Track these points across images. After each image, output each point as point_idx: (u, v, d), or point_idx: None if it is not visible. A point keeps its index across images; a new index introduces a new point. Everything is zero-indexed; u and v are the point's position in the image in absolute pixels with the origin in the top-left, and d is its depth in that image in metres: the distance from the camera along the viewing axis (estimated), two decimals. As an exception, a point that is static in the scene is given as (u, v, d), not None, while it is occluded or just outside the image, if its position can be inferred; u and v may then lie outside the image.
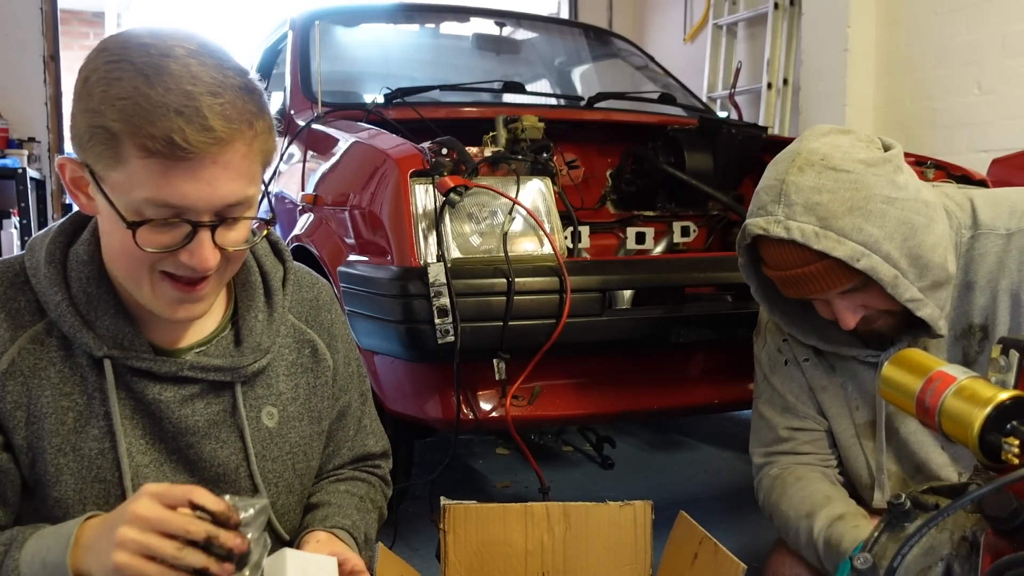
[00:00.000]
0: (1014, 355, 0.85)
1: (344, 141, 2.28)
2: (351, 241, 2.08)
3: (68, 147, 5.08)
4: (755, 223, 1.22)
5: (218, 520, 0.86)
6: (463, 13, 3.57)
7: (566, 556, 1.42)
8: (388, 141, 2.06)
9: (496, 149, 1.99)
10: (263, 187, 0.98)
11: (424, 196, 1.81)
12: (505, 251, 1.79)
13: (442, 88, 2.83)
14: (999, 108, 3.67)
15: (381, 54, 3.41)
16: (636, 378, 2.02)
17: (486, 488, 2.78)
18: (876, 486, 1.36)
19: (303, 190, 2.49)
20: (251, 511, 0.89)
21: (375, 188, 1.97)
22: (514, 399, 1.85)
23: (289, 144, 2.68)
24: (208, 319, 1.06)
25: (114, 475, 0.98)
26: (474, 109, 2.81)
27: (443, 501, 1.40)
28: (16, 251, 3.75)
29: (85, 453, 0.98)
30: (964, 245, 1.27)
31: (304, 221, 2.38)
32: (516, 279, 1.74)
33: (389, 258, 1.86)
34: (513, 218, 1.83)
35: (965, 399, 0.82)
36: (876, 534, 0.86)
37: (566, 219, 1.99)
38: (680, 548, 1.33)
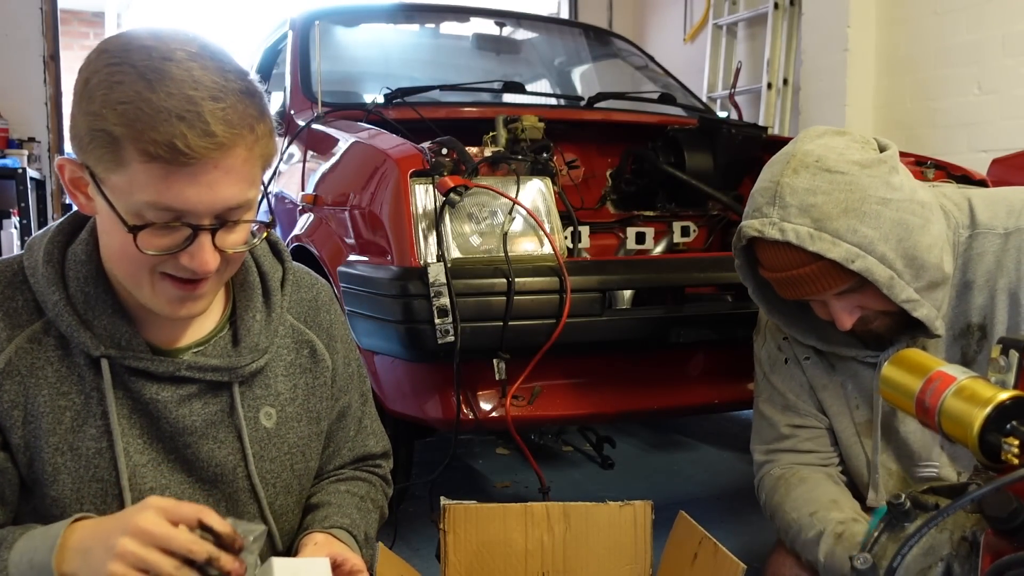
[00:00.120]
0: (1014, 355, 0.85)
1: (344, 141, 2.28)
2: (351, 241, 2.08)
3: (68, 147, 5.09)
4: (750, 225, 1.22)
5: (222, 543, 0.86)
6: (463, 13, 3.57)
7: (566, 556, 1.42)
8: (388, 141, 2.06)
9: (496, 149, 1.99)
10: (263, 188, 0.98)
11: (424, 196, 1.81)
12: (505, 251, 1.79)
13: (442, 88, 2.83)
14: (999, 108, 3.67)
15: (381, 54, 3.41)
16: (636, 378, 2.02)
17: (486, 488, 2.78)
18: (870, 485, 1.36)
19: (303, 190, 2.49)
20: (251, 537, 0.90)
21: (375, 188, 1.97)
22: (514, 399, 1.85)
23: (289, 144, 2.68)
24: (206, 319, 1.06)
25: (111, 474, 0.98)
26: (474, 109, 2.81)
27: (443, 501, 1.40)
28: (16, 251, 3.74)
29: (82, 452, 0.98)
30: (962, 245, 1.27)
31: (304, 221, 2.38)
32: (516, 279, 1.74)
33: (389, 258, 1.86)
34: (513, 218, 1.83)
35: (965, 399, 0.82)
36: (876, 534, 0.86)
37: (566, 219, 1.99)
38: (680, 548, 1.33)
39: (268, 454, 1.08)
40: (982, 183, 2.31)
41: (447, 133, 1.98)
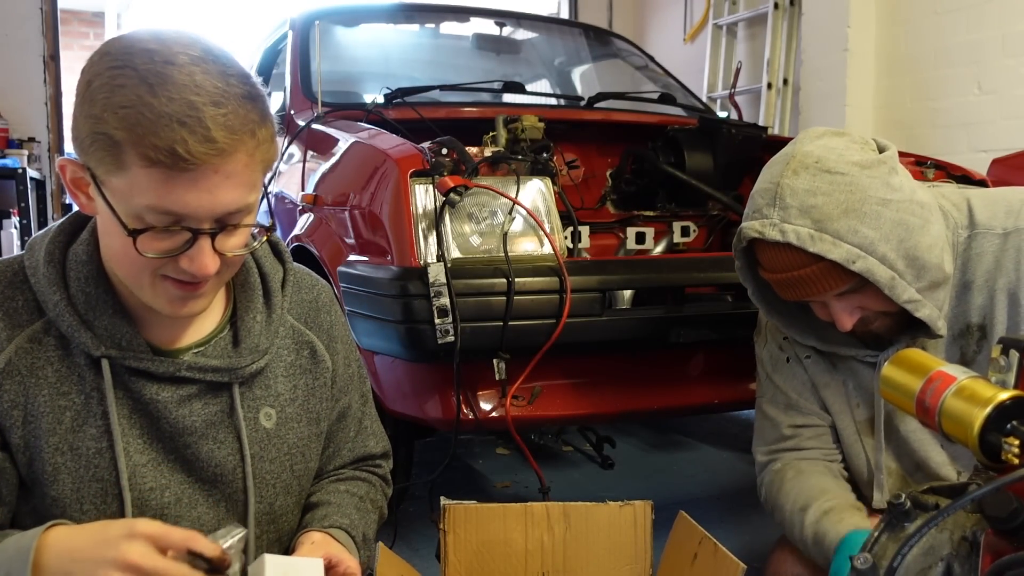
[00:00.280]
0: (1014, 355, 0.86)
1: (344, 141, 2.28)
2: (351, 241, 2.08)
3: (68, 147, 5.09)
4: (750, 226, 1.22)
5: (212, 566, 0.86)
6: (463, 13, 3.57)
7: (566, 556, 1.42)
8: (388, 141, 2.06)
9: (496, 149, 1.99)
10: (263, 189, 0.98)
11: (424, 196, 1.81)
12: (505, 251, 1.79)
13: (442, 88, 2.83)
14: (999, 108, 3.67)
15: (381, 54, 3.41)
16: (636, 378, 2.02)
17: (486, 488, 2.78)
18: (875, 486, 1.36)
19: (303, 190, 2.49)
20: (231, 540, 0.91)
21: (375, 188, 1.97)
22: (514, 399, 1.85)
23: (289, 144, 2.68)
24: (207, 319, 1.06)
25: (111, 474, 0.98)
26: (474, 109, 2.81)
27: (443, 501, 1.40)
28: (16, 251, 3.74)
29: (83, 452, 0.98)
30: (961, 245, 1.27)
31: (304, 221, 2.38)
32: (516, 279, 1.74)
33: (389, 258, 1.86)
34: (513, 218, 1.83)
35: (965, 399, 0.82)
36: (876, 534, 0.86)
37: (566, 219, 1.99)
38: (680, 548, 1.33)
39: (268, 454, 1.08)
40: (982, 183, 2.31)
41: (447, 133, 1.98)
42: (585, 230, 2.15)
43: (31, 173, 4.60)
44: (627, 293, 2.04)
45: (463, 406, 1.84)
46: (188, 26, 0.95)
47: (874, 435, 1.37)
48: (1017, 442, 0.77)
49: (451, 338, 1.70)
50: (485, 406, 1.86)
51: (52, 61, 5.03)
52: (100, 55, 0.89)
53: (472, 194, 1.80)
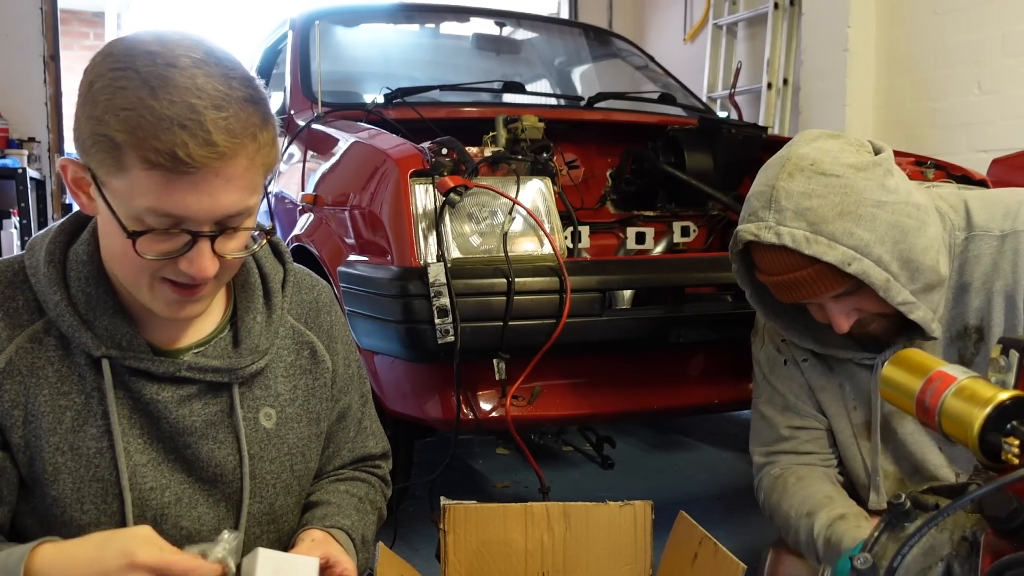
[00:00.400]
0: (1014, 355, 0.86)
1: (344, 141, 2.28)
2: (351, 241, 2.08)
3: (68, 147, 5.09)
4: (746, 229, 1.22)
5: None
6: (463, 13, 3.57)
7: (566, 556, 1.42)
8: (388, 141, 2.06)
9: (496, 149, 1.99)
10: (264, 191, 0.98)
11: (424, 196, 1.81)
12: (505, 251, 1.79)
13: (442, 88, 2.83)
14: (999, 108, 3.67)
15: (381, 54, 3.41)
16: (636, 378, 2.02)
17: (486, 488, 2.78)
18: (872, 488, 1.36)
19: (303, 190, 2.49)
20: (224, 546, 0.92)
21: (375, 188, 1.97)
22: (514, 399, 1.85)
23: (289, 144, 2.68)
24: (207, 320, 1.06)
25: (112, 474, 0.98)
26: (474, 109, 2.81)
27: (443, 501, 1.40)
28: (16, 251, 3.74)
29: (83, 452, 0.98)
30: (958, 247, 1.27)
31: (304, 221, 2.38)
32: (516, 279, 1.74)
33: (389, 258, 1.86)
34: (513, 218, 1.83)
35: (965, 399, 0.82)
36: (876, 534, 0.86)
37: (566, 219, 1.99)
38: (680, 548, 1.34)
39: (268, 455, 1.08)
40: (982, 183, 2.31)
41: (447, 133, 1.98)
42: (585, 230, 2.15)
43: (31, 173, 4.60)
44: (627, 293, 2.04)
45: (463, 406, 1.84)
46: (191, 27, 0.94)
47: (871, 438, 1.37)
48: (1017, 442, 0.77)
49: (451, 338, 1.70)
50: (485, 406, 1.86)
51: (52, 61, 5.03)
52: (103, 56, 0.89)
53: (472, 194, 1.80)
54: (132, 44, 0.88)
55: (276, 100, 3.11)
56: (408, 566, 1.31)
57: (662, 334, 1.92)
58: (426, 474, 2.42)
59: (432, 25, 3.60)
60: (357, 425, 1.25)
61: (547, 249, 1.83)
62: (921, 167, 2.29)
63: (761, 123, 4.63)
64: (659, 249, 2.37)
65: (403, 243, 1.81)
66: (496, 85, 2.90)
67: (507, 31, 3.61)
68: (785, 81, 4.83)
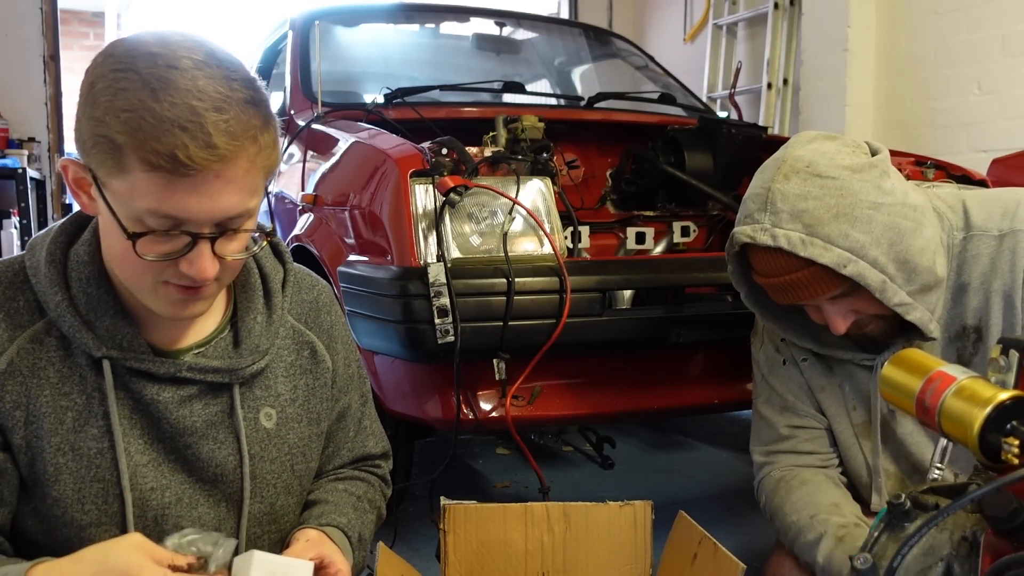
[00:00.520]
0: (1014, 355, 0.86)
1: (344, 141, 2.28)
2: (351, 241, 2.08)
3: (68, 147, 5.09)
4: (742, 231, 1.22)
5: None
6: (463, 13, 3.57)
7: (566, 556, 1.42)
8: (388, 141, 2.06)
9: (496, 149, 1.99)
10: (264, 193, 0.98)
11: (424, 196, 1.81)
12: (505, 251, 1.79)
13: (442, 88, 2.83)
14: (999, 108, 3.67)
15: (381, 54, 3.41)
16: (636, 378, 2.02)
17: (486, 488, 2.78)
18: (873, 489, 1.36)
19: (303, 190, 2.49)
20: (220, 550, 0.93)
21: (375, 188, 1.97)
22: (514, 399, 1.85)
23: (289, 144, 2.68)
24: (207, 320, 1.06)
25: (112, 474, 0.98)
26: (474, 109, 2.81)
27: (443, 501, 1.40)
28: (16, 251, 3.75)
29: (84, 453, 0.98)
30: (956, 247, 1.27)
31: (304, 221, 2.38)
32: (516, 279, 1.74)
33: (389, 258, 1.86)
34: (513, 218, 1.83)
35: (965, 399, 0.82)
36: (876, 534, 0.86)
37: (566, 219, 1.99)
38: (680, 548, 1.34)
39: (268, 455, 1.08)
40: (982, 183, 2.31)
41: (447, 133, 1.98)
42: (585, 230, 2.15)
43: (31, 173, 4.60)
44: (627, 293, 2.04)
45: (463, 406, 1.85)
46: (193, 28, 0.94)
47: (871, 438, 1.37)
48: (1017, 442, 0.77)
49: (451, 338, 1.70)
50: (485, 406, 1.86)
51: (52, 61, 5.03)
52: (104, 56, 0.89)
53: (472, 194, 1.80)
54: (134, 45, 0.88)
55: (276, 100, 3.11)
56: (408, 566, 1.31)
57: (662, 334, 1.92)
58: (426, 474, 2.42)
59: (432, 25, 3.60)
60: (357, 425, 1.25)
61: (547, 249, 1.83)
62: (921, 167, 2.29)
63: (761, 123, 4.63)
64: (659, 249, 2.37)
65: (403, 243, 1.81)
66: (496, 85, 2.90)
67: (507, 31, 3.61)
68: (785, 81, 4.83)
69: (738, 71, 5.20)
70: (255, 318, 1.08)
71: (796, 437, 1.43)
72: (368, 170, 2.05)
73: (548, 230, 1.84)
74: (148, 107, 0.84)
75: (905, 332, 1.26)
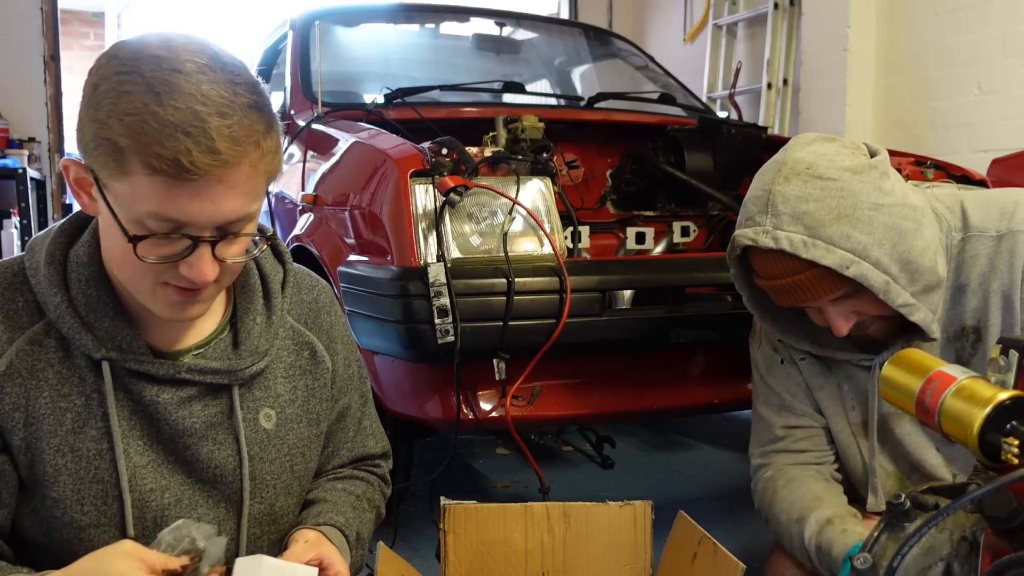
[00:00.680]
0: (1014, 355, 0.86)
1: (344, 141, 2.28)
2: (351, 241, 2.08)
3: (68, 147, 5.09)
4: (743, 234, 1.22)
5: None
6: (463, 13, 3.57)
7: (566, 556, 1.42)
8: (388, 141, 2.06)
9: (496, 149, 1.99)
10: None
11: (424, 196, 1.81)
12: (505, 251, 1.79)
13: (442, 88, 2.83)
14: (999, 108, 3.67)
15: (381, 54, 3.41)
16: (636, 378, 2.02)
17: (486, 488, 2.78)
18: (869, 490, 1.36)
19: (303, 190, 2.49)
20: (214, 547, 0.93)
21: (375, 188, 1.97)
22: (514, 399, 1.85)
23: (289, 144, 2.69)
24: (207, 321, 1.06)
25: (111, 475, 0.99)
26: (474, 109, 2.81)
27: (443, 501, 1.40)
28: (16, 251, 3.75)
29: (83, 454, 0.98)
30: (955, 248, 1.27)
31: (304, 221, 2.38)
32: (516, 279, 1.74)
33: (389, 258, 1.86)
34: (513, 218, 1.83)
35: (965, 399, 0.82)
36: (876, 534, 0.86)
37: (566, 219, 1.99)
38: (680, 548, 1.34)
39: (268, 455, 1.08)
40: (982, 183, 2.31)
41: (447, 133, 1.98)
42: (585, 230, 2.15)
43: (31, 173, 4.60)
44: (627, 293, 2.04)
45: (463, 406, 1.85)
46: (195, 29, 0.94)
47: (869, 438, 1.37)
48: (1017, 442, 0.77)
49: (451, 338, 1.70)
50: (485, 406, 1.86)
51: (52, 61, 5.03)
52: (108, 58, 0.89)
53: (472, 194, 1.80)
54: (138, 47, 0.88)
55: (276, 100, 3.11)
56: (408, 566, 1.31)
57: (662, 334, 1.92)
58: (426, 474, 2.42)
59: (432, 25, 3.60)
60: (357, 425, 1.25)
61: (547, 249, 1.83)
62: (921, 167, 2.29)
63: (761, 123, 4.63)
64: (659, 249, 2.37)
65: (403, 243, 1.81)
66: (496, 85, 2.90)
67: (507, 31, 3.61)
68: (785, 81, 4.83)
69: (738, 71, 5.20)
70: (255, 319, 1.08)
71: (790, 436, 1.43)
72: (368, 170, 2.05)
73: (548, 230, 1.84)
74: (151, 111, 0.83)
75: (905, 333, 1.26)
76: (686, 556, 1.30)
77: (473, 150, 1.92)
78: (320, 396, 1.15)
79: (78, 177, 0.92)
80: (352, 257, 2.04)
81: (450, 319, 1.70)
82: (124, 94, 0.85)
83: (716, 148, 2.40)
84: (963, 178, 2.31)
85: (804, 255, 1.16)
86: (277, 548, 1.11)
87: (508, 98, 3.07)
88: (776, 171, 1.21)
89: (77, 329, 0.97)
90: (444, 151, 1.88)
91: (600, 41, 3.75)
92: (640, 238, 2.29)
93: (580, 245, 2.07)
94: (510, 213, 1.82)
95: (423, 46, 3.60)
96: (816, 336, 1.36)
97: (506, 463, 3.04)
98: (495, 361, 1.78)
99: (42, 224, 4.73)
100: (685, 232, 2.39)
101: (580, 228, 2.08)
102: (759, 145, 2.46)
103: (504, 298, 1.73)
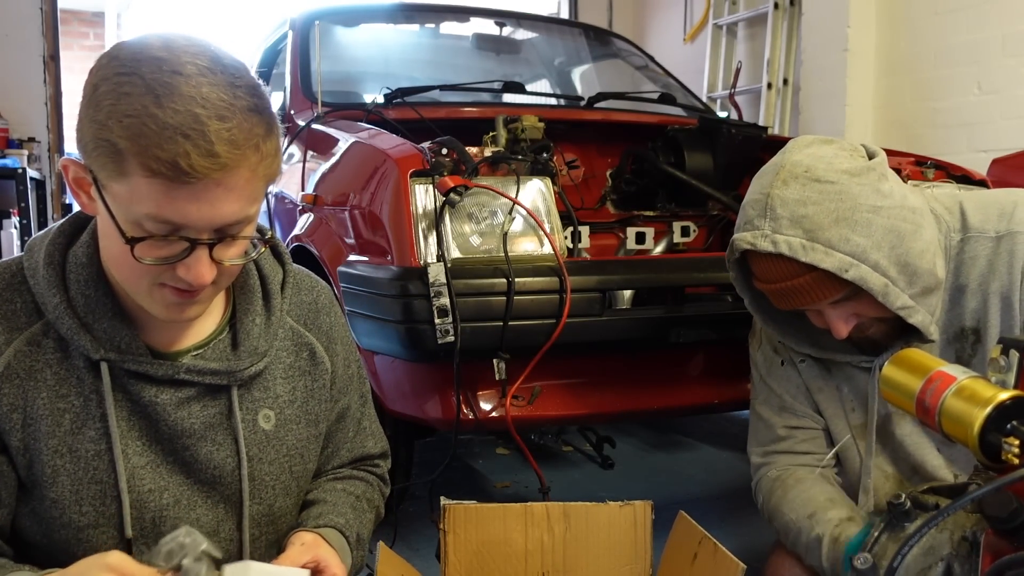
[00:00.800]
0: (1014, 355, 0.86)
1: (344, 141, 2.28)
2: (351, 241, 2.08)
3: (68, 147, 5.09)
4: (742, 238, 1.22)
5: None
6: (463, 13, 3.57)
7: (566, 556, 1.42)
8: (388, 141, 2.06)
9: (496, 149, 1.99)
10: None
11: (424, 196, 1.81)
12: (505, 251, 1.79)
13: (442, 88, 2.83)
14: (999, 108, 3.67)
15: (381, 54, 3.41)
16: (636, 378, 2.02)
17: (486, 488, 2.78)
18: (861, 489, 1.36)
19: (303, 190, 2.49)
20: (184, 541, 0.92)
21: (375, 188, 1.97)
22: (514, 399, 1.85)
23: (289, 144, 2.69)
24: (206, 321, 1.06)
25: (110, 476, 0.98)
26: (474, 109, 2.81)
27: (443, 501, 1.40)
28: (16, 251, 3.74)
29: (81, 455, 0.98)
30: (954, 249, 1.27)
31: (304, 221, 2.38)
32: (516, 279, 1.74)
33: (389, 258, 1.86)
34: (513, 218, 1.83)
35: (965, 399, 0.82)
36: (876, 534, 0.86)
37: (566, 219, 1.99)
38: (680, 548, 1.34)
39: (267, 456, 1.08)
40: (982, 183, 2.31)
41: (447, 133, 1.98)
42: (585, 230, 2.15)
43: (31, 173, 4.60)
44: (627, 293, 2.04)
45: (463, 406, 1.84)
46: (196, 30, 0.94)
47: (868, 439, 1.37)
48: (1017, 442, 0.77)
49: (451, 338, 1.70)
50: (485, 406, 1.86)
51: (52, 61, 5.03)
52: (109, 59, 0.88)
53: (472, 194, 1.80)
54: (138, 49, 0.88)
55: (276, 100, 3.11)
56: (408, 566, 1.31)
57: (662, 334, 1.92)
58: (426, 474, 2.42)
59: (432, 25, 3.60)
60: (356, 425, 1.25)
61: (547, 249, 1.83)
62: (921, 167, 2.29)
63: (761, 123, 4.63)
64: (659, 249, 2.37)
65: (403, 243, 1.81)
66: (496, 85, 2.90)
67: (507, 31, 3.61)
68: (785, 81, 4.83)
69: (738, 71, 5.20)
70: (254, 320, 1.08)
71: (793, 438, 1.43)
72: (368, 170, 2.05)
73: (548, 230, 1.84)
74: (151, 113, 0.83)
75: (905, 335, 1.26)
76: (686, 556, 1.30)
77: (473, 150, 1.92)
78: (319, 397, 1.15)
79: (77, 177, 0.92)
80: (352, 257, 2.04)
81: (450, 319, 1.70)
82: (124, 95, 0.84)
83: (716, 148, 2.40)
84: (963, 178, 2.31)
85: (803, 259, 1.16)
86: (275, 549, 1.11)
87: (508, 98, 3.07)
88: (774, 174, 1.21)
89: (76, 330, 0.97)
90: (444, 151, 1.88)
91: (600, 41, 3.75)
92: (640, 238, 2.29)
93: (580, 245, 2.07)
94: (510, 213, 1.82)
95: (423, 46, 3.59)
96: (816, 338, 1.36)
97: (506, 463, 3.04)
98: (495, 361, 1.78)
99: (42, 224, 4.73)
100: (685, 232, 2.39)
101: (580, 228, 2.08)
102: (759, 145, 2.46)
103: (504, 298, 1.73)
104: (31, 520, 0.99)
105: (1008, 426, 0.78)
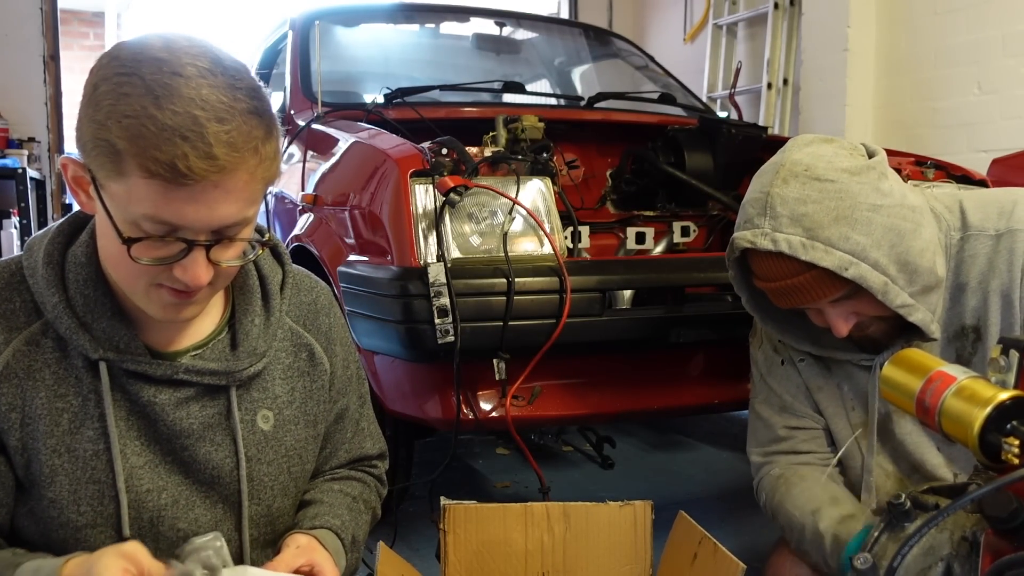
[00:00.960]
0: (1014, 355, 0.86)
1: (344, 141, 2.28)
2: (351, 241, 2.08)
3: (68, 147, 5.09)
4: (742, 236, 1.22)
5: None
6: (463, 13, 3.57)
7: (566, 556, 1.42)
8: (388, 141, 2.06)
9: (496, 149, 1.99)
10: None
11: (424, 196, 1.81)
12: (505, 251, 1.79)
13: (442, 88, 2.83)
14: (999, 108, 3.67)
15: (381, 54, 3.41)
16: (636, 378, 2.02)
17: (486, 488, 2.78)
18: (864, 487, 1.36)
19: (303, 190, 2.49)
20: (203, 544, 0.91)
21: (375, 188, 1.97)
22: (514, 399, 1.85)
23: (289, 144, 2.68)
24: (205, 322, 1.06)
25: (108, 476, 0.98)
26: (474, 109, 2.81)
27: (443, 501, 1.40)
28: (16, 251, 3.74)
29: (80, 454, 0.98)
30: (954, 247, 1.27)
31: (304, 221, 2.38)
32: (516, 279, 1.74)
33: (389, 258, 1.86)
34: (513, 218, 1.83)
35: (965, 399, 0.82)
36: (876, 534, 0.86)
37: (566, 219, 1.99)
38: (680, 548, 1.33)
39: (265, 457, 1.08)
40: (982, 183, 2.31)
41: (447, 133, 1.98)
42: (585, 230, 2.15)
43: (31, 173, 4.60)
44: (627, 293, 2.04)
45: (463, 406, 1.84)
46: (196, 30, 0.94)
47: (868, 438, 1.37)
48: (1017, 442, 0.77)
49: (451, 338, 1.70)
50: (485, 406, 1.86)
51: (52, 61, 5.03)
52: (109, 58, 0.88)
53: (472, 194, 1.80)
54: (139, 49, 0.88)
55: (276, 100, 3.11)
56: (408, 566, 1.31)
57: (662, 334, 1.92)
58: (426, 474, 2.42)
59: (432, 25, 3.60)
60: (355, 426, 1.25)
61: (547, 249, 1.83)
62: (921, 167, 2.29)
63: (761, 123, 4.63)
64: (659, 249, 2.37)
65: (403, 243, 1.81)
66: (496, 85, 2.90)
67: (507, 31, 3.61)
68: (785, 81, 4.83)
69: (738, 71, 5.20)
70: (253, 320, 1.08)
71: (794, 438, 1.43)
72: (368, 170, 2.05)
73: (548, 230, 1.84)
74: (150, 114, 0.83)
75: (905, 333, 1.26)
76: (686, 556, 1.30)
77: (473, 150, 1.92)
78: (318, 398, 1.15)
79: (76, 176, 0.92)
80: (352, 257, 2.04)
81: (450, 319, 1.70)
82: (123, 96, 0.84)
83: (716, 148, 2.40)
84: (963, 178, 2.31)
85: (803, 257, 1.17)
86: (272, 550, 1.11)
87: (508, 98, 3.07)
88: (774, 173, 1.21)
89: (74, 329, 0.97)
90: (444, 151, 1.88)
91: (600, 41, 3.75)
92: (640, 238, 2.29)
93: (580, 245, 2.06)
94: (510, 213, 1.82)
95: (423, 46, 3.59)
96: (816, 337, 1.36)
97: (506, 463, 3.04)
98: (495, 361, 1.78)
99: (41, 224, 4.73)
100: (685, 232, 2.39)
101: (580, 228, 2.08)
102: (759, 145, 2.46)
103: (504, 298, 1.73)
104: (29, 520, 0.99)
105: (1008, 426, 0.78)
